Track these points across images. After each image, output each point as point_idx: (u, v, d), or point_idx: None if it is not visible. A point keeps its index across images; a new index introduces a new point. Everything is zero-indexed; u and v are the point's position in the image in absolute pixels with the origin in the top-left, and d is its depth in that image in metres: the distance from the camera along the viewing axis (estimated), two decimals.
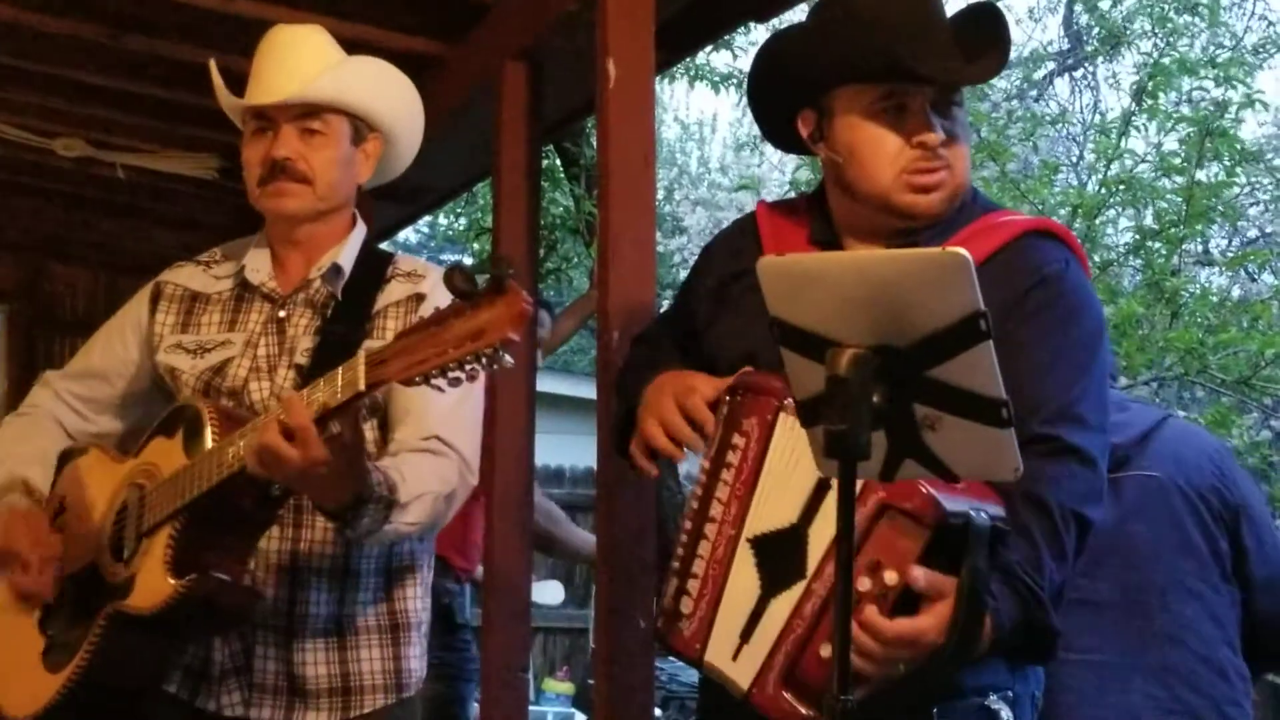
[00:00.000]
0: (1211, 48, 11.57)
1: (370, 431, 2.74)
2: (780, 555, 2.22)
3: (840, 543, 1.76)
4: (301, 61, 2.80)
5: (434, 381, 2.15)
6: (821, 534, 2.17)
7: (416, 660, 2.85)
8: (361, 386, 2.24)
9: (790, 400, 2.20)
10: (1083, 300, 2.38)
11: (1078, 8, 11.84)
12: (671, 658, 5.50)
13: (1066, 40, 12.72)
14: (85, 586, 2.72)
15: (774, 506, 2.24)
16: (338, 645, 2.75)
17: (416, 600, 2.85)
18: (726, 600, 2.27)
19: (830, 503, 2.12)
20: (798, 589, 2.18)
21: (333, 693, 2.74)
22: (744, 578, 2.25)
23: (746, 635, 2.23)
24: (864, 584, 2.06)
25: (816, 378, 1.76)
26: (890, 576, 2.05)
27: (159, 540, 2.55)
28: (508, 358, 2.10)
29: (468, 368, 2.11)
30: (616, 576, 3.44)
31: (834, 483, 2.08)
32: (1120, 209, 10.38)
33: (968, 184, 2.42)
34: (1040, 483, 2.16)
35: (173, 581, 2.49)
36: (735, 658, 2.24)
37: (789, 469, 2.23)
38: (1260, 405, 9.99)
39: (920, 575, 2.04)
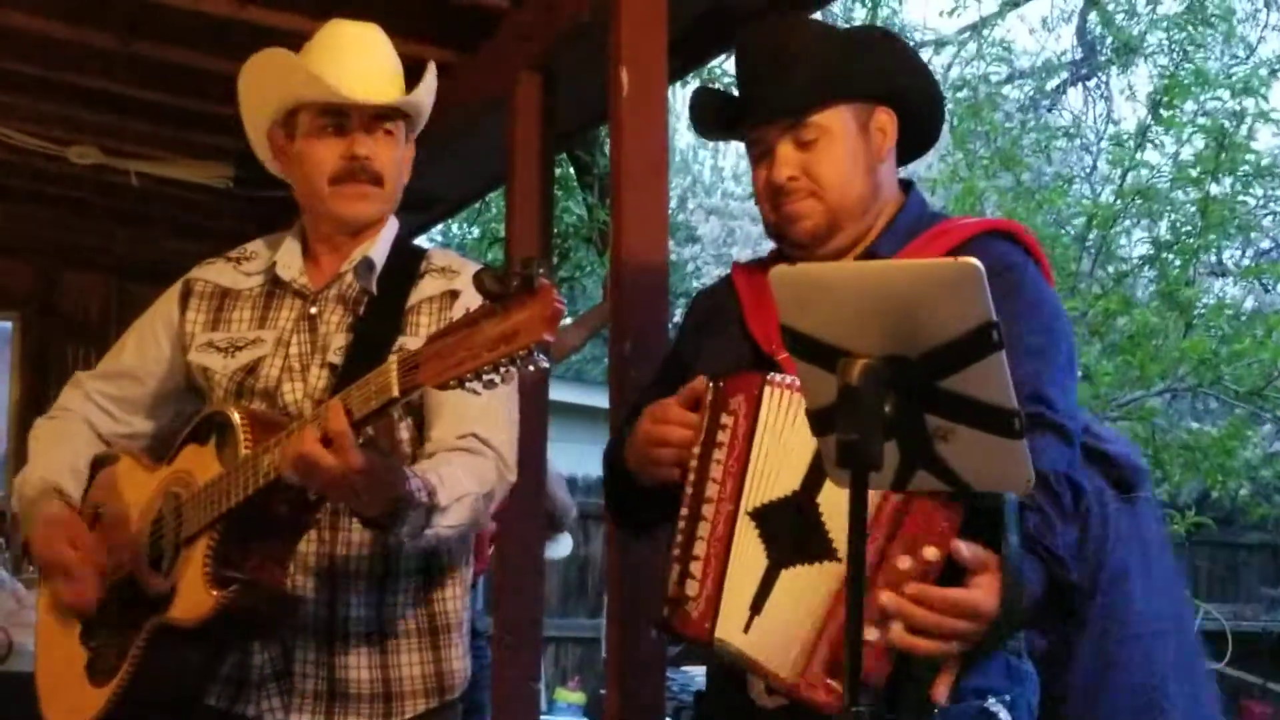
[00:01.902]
0: (1227, 58, 11.55)
1: (405, 431, 2.72)
2: (787, 524, 2.20)
3: (852, 557, 1.75)
4: (383, 63, 2.79)
5: (469, 385, 2.14)
6: (835, 505, 2.15)
7: (459, 661, 2.81)
8: (395, 393, 2.21)
9: (774, 375, 2.23)
10: (1043, 293, 2.41)
11: (1091, 17, 11.83)
12: (685, 668, 5.50)
13: (1080, 50, 12.70)
14: (125, 598, 2.70)
15: (772, 477, 2.24)
16: (379, 649, 2.71)
17: (456, 600, 2.81)
18: (731, 575, 2.24)
19: None
20: (830, 570, 2.15)
21: (374, 698, 2.71)
22: (748, 550, 2.24)
23: (757, 607, 2.20)
24: (904, 563, 2.04)
25: (828, 388, 1.76)
26: (931, 552, 2.03)
27: (197, 551, 2.52)
28: (542, 359, 2.09)
29: (502, 370, 2.10)
30: (628, 586, 3.43)
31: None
32: (1135, 220, 10.38)
33: (856, 198, 2.48)
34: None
35: (215, 593, 2.46)
36: (747, 630, 2.21)
37: (782, 438, 2.23)
38: (1274, 417, 9.97)
39: (964, 547, 2.03)
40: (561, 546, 5.32)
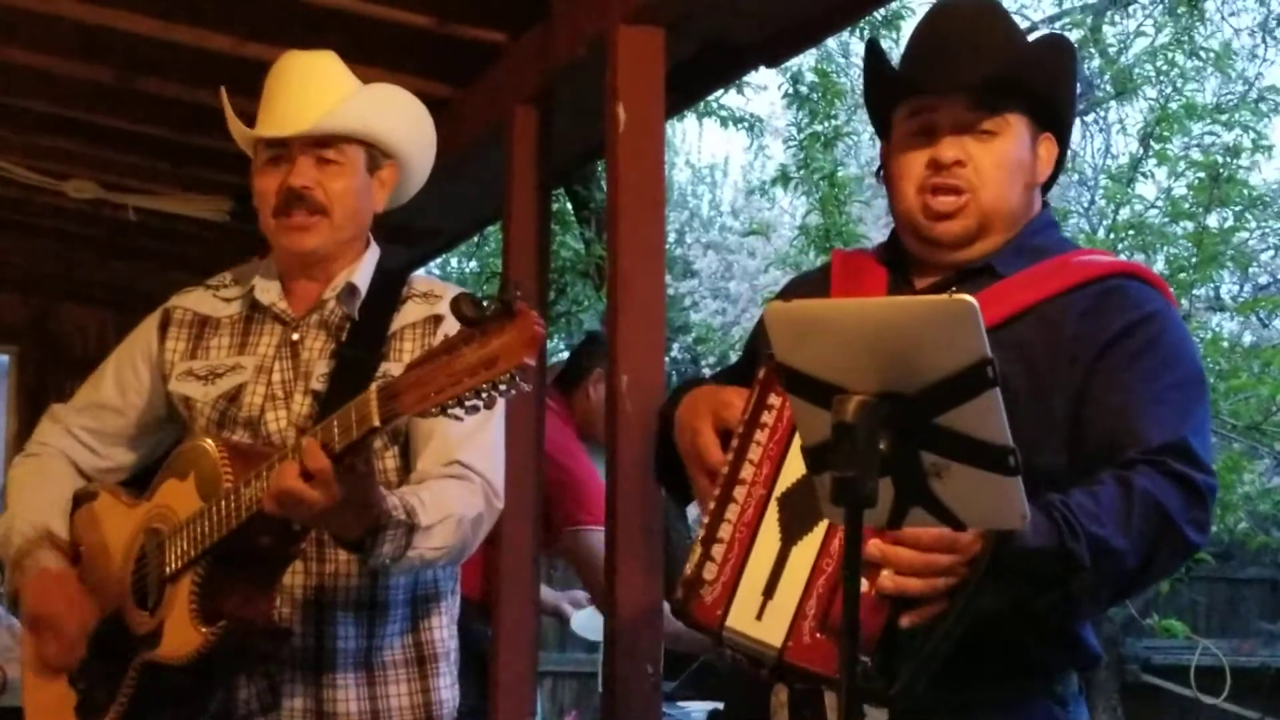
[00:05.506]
0: (1224, 93, 11.56)
1: (392, 460, 2.72)
2: (799, 504, 2.14)
3: (847, 582, 1.74)
4: (318, 90, 2.73)
5: (450, 412, 2.13)
6: None
7: (447, 690, 2.81)
8: (376, 423, 2.21)
9: None
10: (1184, 343, 2.35)
11: (1089, 51, 11.85)
12: (680, 703, 5.47)
13: (1079, 85, 12.73)
14: (111, 637, 2.69)
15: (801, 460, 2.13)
16: (366, 680, 2.71)
17: (443, 630, 2.82)
18: (752, 562, 2.17)
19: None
20: (820, 529, 2.10)
21: None
22: (769, 536, 2.16)
23: (770, 591, 2.14)
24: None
25: (823, 424, 1.75)
26: None
27: (183, 587, 2.52)
28: (524, 383, 2.08)
29: (484, 395, 2.09)
30: (624, 621, 3.42)
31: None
32: (1130, 254, 10.36)
33: (1010, 208, 2.38)
34: (1133, 473, 2.12)
35: (203, 630, 2.46)
36: (760, 616, 2.14)
37: None
38: (1271, 451, 9.94)
39: None
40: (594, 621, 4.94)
